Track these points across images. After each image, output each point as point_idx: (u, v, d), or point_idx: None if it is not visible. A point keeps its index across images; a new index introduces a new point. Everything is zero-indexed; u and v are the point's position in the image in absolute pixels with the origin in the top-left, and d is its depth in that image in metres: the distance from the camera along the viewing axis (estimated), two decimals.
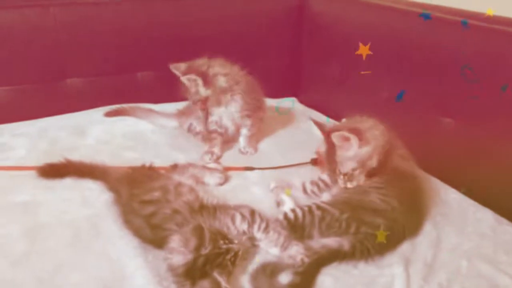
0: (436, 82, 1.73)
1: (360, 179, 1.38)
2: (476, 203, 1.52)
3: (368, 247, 1.24)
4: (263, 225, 1.26)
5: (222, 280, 1.10)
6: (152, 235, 1.25)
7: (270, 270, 1.18)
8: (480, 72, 1.55)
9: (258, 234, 1.25)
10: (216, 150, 1.82)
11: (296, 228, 1.30)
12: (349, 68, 2.20)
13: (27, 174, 1.60)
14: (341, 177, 1.39)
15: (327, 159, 1.43)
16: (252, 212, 1.28)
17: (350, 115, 1.51)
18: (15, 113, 2.06)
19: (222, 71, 1.81)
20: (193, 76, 1.76)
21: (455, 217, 1.46)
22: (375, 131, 1.38)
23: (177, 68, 1.81)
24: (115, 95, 2.20)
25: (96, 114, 2.13)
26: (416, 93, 1.80)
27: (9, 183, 1.58)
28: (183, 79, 1.77)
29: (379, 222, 1.28)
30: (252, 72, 1.94)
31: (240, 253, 1.16)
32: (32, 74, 2.10)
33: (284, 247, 1.23)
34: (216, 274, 1.10)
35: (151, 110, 2.12)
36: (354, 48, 2.07)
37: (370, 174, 1.37)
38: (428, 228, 1.38)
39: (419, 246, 1.31)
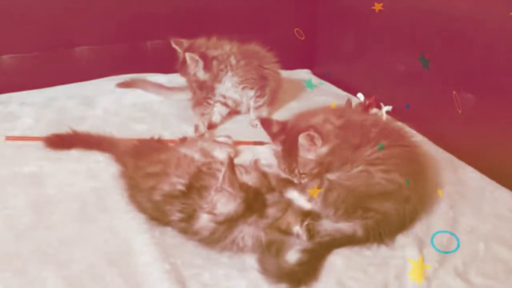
0: (456, 56, 1.66)
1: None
2: (494, 183, 1.47)
3: (381, 233, 1.19)
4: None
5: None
6: (152, 211, 1.22)
7: (276, 249, 1.14)
8: (504, 47, 1.48)
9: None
10: (201, 125, 1.77)
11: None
12: (364, 40, 2.13)
13: (34, 145, 1.58)
14: (297, 176, 1.32)
15: (285, 160, 1.32)
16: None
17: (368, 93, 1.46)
18: (23, 81, 2.03)
19: (215, 53, 1.79)
20: (196, 57, 1.74)
21: (472, 196, 1.41)
22: (328, 125, 1.31)
23: (179, 44, 1.79)
24: (124, 64, 2.17)
25: (105, 84, 2.09)
26: (435, 67, 1.72)
27: (16, 153, 1.56)
28: (187, 55, 1.75)
29: (389, 207, 1.22)
30: (266, 44, 1.91)
31: None
32: (40, 42, 2.06)
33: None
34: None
35: (161, 86, 2.07)
36: (369, 20, 1.99)
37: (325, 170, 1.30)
38: (444, 209, 1.33)
39: (434, 228, 1.26)
